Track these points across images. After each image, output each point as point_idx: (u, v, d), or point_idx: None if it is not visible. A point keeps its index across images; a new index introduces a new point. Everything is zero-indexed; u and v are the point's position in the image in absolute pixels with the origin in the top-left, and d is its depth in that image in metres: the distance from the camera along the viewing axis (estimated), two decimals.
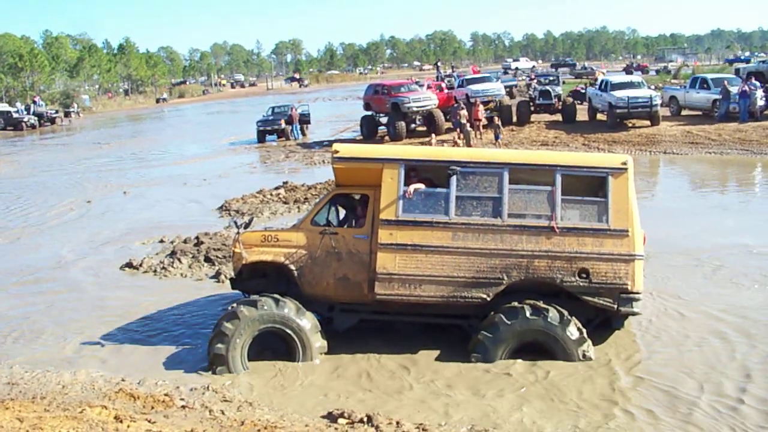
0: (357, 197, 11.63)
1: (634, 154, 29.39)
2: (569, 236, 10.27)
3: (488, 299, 10.38)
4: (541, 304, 10.18)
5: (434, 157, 11.06)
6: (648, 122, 34.19)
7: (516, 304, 10.21)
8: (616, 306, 10.31)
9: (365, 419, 8.51)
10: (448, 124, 36.27)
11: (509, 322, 10.11)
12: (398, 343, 11.12)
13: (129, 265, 16.61)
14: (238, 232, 11.28)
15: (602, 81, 37.73)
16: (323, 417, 8.85)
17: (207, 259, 16.34)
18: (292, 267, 10.97)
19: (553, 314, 10.08)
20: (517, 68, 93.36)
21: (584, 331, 10.26)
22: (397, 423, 8.42)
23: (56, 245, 19.71)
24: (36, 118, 67.70)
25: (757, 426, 8.41)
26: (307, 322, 10.63)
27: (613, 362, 10.33)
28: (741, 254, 15.12)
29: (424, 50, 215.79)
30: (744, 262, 14.58)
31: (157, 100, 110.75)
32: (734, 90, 33.12)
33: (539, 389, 9.56)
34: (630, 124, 34.67)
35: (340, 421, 8.56)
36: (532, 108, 38.58)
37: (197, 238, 17.72)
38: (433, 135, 34.10)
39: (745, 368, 9.92)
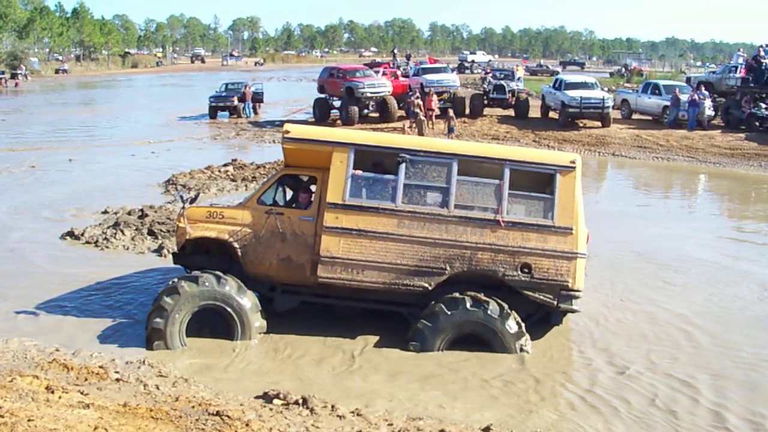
0: (305, 179, 11.61)
1: (584, 153, 29.83)
2: (514, 230, 10.38)
3: (430, 288, 10.45)
4: (481, 296, 10.28)
5: (384, 143, 11.06)
6: (599, 123, 34.60)
7: (457, 295, 10.30)
8: (556, 302, 10.47)
9: (300, 401, 8.52)
10: (401, 112, 36.32)
11: (449, 313, 10.20)
12: (338, 328, 11.13)
13: (70, 234, 16.29)
14: (183, 207, 11.15)
15: (556, 79, 38.09)
16: (258, 397, 8.83)
17: (150, 233, 16.12)
18: (236, 245, 10.90)
19: (493, 307, 10.19)
20: (473, 61, 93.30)
21: (523, 325, 10.40)
22: (332, 406, 8.44)
23: None
24: None
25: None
26: (248, 301, 10.59)
27: (558, 357, 10.56)
28: (687, 259, 15.58)
29: (382, 36, 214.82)
30: (691, 266, 15.06)
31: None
32: (684, 98, 33.74)
33: (479, 381, 9.69)
34: (581, 124, 35.10)
35: (276, 401, 8.55)
36: (486, 101, 38.76)
37: (142, 210, 17.47)
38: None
39: (706, 360, 10.47)
